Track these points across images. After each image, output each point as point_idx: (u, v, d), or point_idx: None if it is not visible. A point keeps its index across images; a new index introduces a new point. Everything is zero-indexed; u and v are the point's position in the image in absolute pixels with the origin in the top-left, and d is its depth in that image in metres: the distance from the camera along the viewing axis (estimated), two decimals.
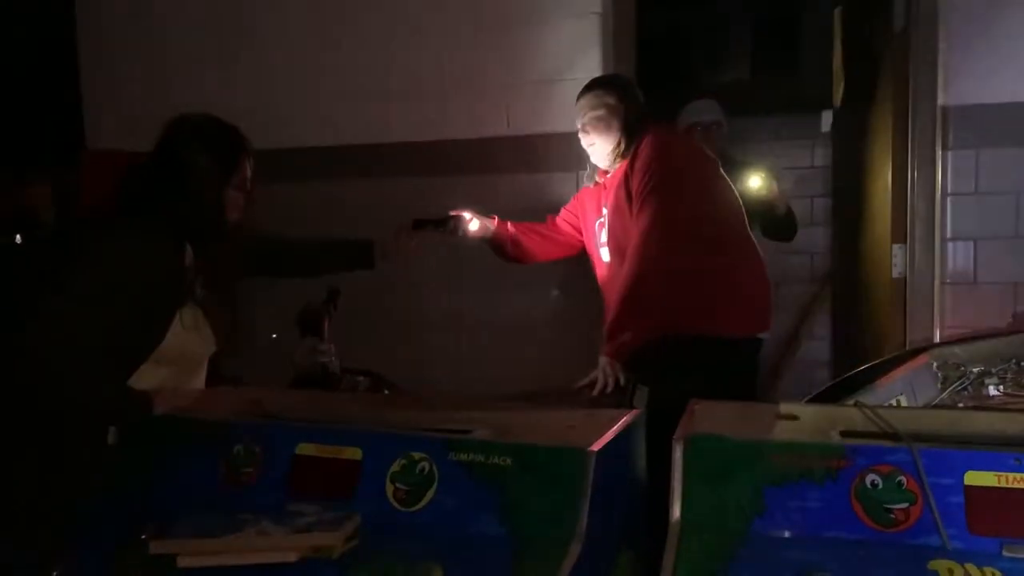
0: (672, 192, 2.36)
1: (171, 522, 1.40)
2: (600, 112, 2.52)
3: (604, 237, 2.59)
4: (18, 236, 2.95)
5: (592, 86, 2.59)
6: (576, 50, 3.07)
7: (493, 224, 2.69)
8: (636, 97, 2.59)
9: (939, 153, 2.87)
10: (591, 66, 3.03)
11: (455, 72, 3.24)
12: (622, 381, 2.27)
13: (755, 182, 3.21)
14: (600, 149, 2.56)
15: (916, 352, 2.55)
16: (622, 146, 2.52)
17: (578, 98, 2.59)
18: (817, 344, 4.67)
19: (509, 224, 2.73)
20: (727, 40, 5.44)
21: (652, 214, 2.33)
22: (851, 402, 1.54)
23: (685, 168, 2.46)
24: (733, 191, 2.55)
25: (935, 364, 2.04)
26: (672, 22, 4.53)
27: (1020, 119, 2.78)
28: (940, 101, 2.86)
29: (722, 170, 2.57)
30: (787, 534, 1.25)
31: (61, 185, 3.00)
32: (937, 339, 2.85)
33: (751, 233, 2.56)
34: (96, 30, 3.71)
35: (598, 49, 3.06)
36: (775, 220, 3.31)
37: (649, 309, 2.30)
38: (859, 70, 3.80)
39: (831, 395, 2.56)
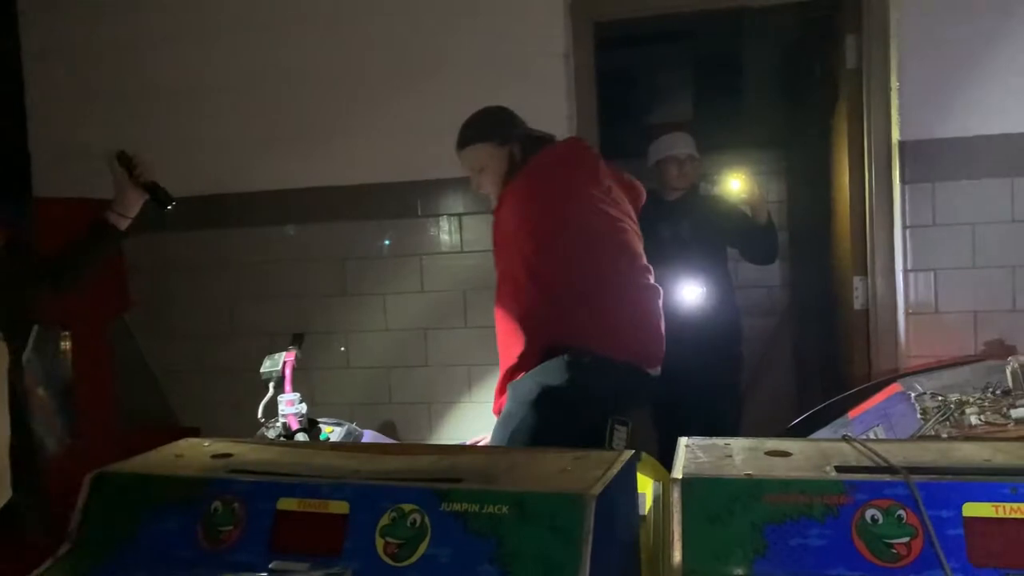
0: (512, 255, 2.32)
1: None
2: (479, 169, 2.44)
3: None
4: None
5: (467, 139, 2.46)
6: (541, 91, 3.10)
7: None
8: (508, 132, 2.44)
9: (896, 187, 2.94)
10: (558, 104, 3.07)
11: (416, 115, 3.25)
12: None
13: (735, 184, 3.23)
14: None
15: (886, 382, 2.59)
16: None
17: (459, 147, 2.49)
18: (779, 376, 4.70)
19: None
20: (669, 79, 5.54)
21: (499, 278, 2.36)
22: (839, 435, 1.53)
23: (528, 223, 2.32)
24: (602, 217, 2.41)
25: (913, 395, 2.05)
26: (615, 62, 4.61)
27: (973, 152, 2.87)
28: (896, 136, 2.93)
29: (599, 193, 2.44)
30: (790, 573, 1.23)
31: (12, 234, 2.89)
32: (902, 369, 2.89)
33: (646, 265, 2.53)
34: (43, 73, 3.64)
35: (567, 90, 3.11)
36: (755, 233, 3.30)
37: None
38: (810, 108, 3.89)
39: (804, 427, 2.58)
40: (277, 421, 2.67)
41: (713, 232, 3.39)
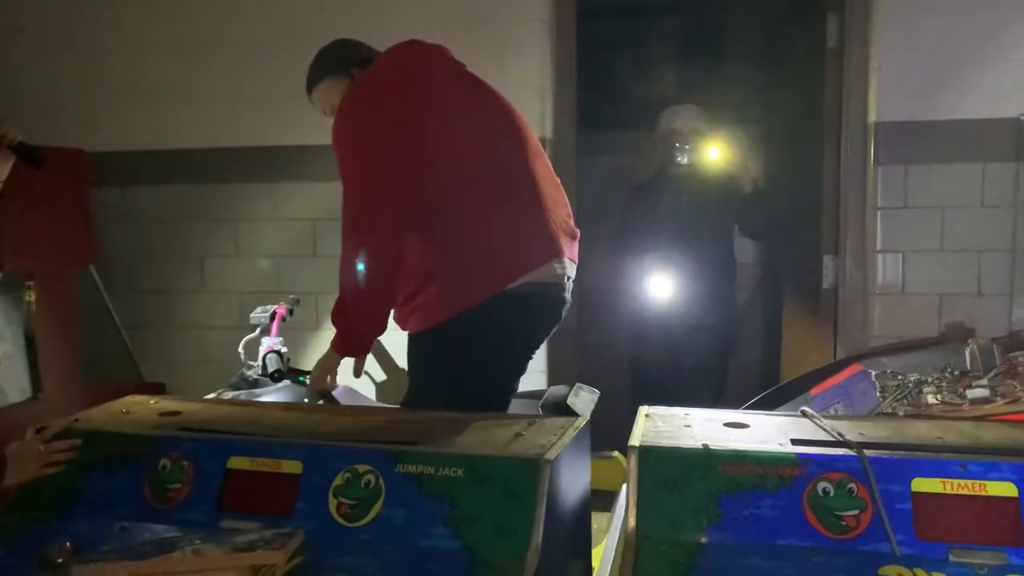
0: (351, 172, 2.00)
1: (92, 544, 1.31)
2: (332, 107, 2.13)
3: None
4: None
5: (311, 82, 2.23)
6: (520, 56, 3.07)
7: None
8: (348, 60, 2.19)
9: (870, 168, 2.95)
10: (535, 72, 3.03)
11: None
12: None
13: (714, 152, 3.15)
14: None
15: (848, 361, 2.61)
16: None
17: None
18: (747, 352, 4.74)
19: None
20: (652, 52, 5.50)
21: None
22: (798, 411, 1.54)
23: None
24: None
25: (873, 373, 2.07)
26: (599, 33, 4.57)
27: (946, 136, 2.87)
28: (871, 118, 2.93)
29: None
30: (742, 542, 1.24)
31: None
32: (867, 348, 2.91)
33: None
34: (12, 19, 3.55)
35: (541, 56, 3.07)
36: (744, 205, 3.24)
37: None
38: (792, 85, 3.88)
39: (767, 403, 2.60)
40: (256, 362, 2.69)
41: (716, 207, 3.28)
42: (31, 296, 2.99)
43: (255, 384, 2.71)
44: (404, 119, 1.95)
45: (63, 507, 1.44)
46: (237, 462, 1.42)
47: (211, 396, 2.47)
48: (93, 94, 3.47)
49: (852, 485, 1.26)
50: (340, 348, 1.99)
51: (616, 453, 2.35)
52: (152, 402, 1.76)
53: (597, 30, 4.40)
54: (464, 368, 1.96)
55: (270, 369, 2.63)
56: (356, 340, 1.99)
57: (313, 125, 3.23)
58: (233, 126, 3.40)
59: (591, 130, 3.95)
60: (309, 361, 3.35)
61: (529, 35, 3.10)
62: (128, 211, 3.53)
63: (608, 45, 5.19)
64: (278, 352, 2.67)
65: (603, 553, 1.73)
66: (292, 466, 1.39)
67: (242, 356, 2.75)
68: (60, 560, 1.29)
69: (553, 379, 3.16)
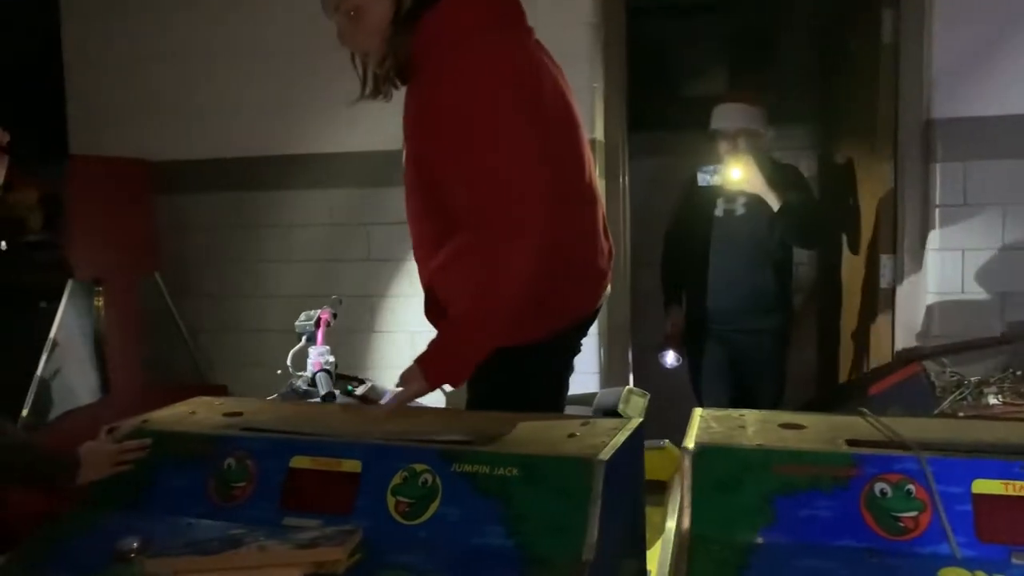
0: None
1: (162, 539, 1.37)
2: (349, 12, 1.70)
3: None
4: (3, 243, 2.92)
5: None
6: (569, 60, 3.07)
7: None
8: None
9: (928, 165, 2.90)
10: (585, 74, 3.03)
11: None
12: None
13: (736, 173, 3.09)
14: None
15: (906, 361, 2.57)
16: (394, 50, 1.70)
17: None
18: (802, 353, 4.68)
19: None
20: (702, 53, 5.46)
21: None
22: (856, 411, 1.53)
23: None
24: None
25: (932, 374, 2.04)
26: (646, 32, 4.55)
27: (1007, 131, 2.81)
28: (928, 114, 2.88)
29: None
30: (797, 542, 1.24)
31: (48, 191, 2.96)
32: (925, 349, 2.86)
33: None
34: (81, 34, 3.69)
35: (591, 59, 3.07)
36: (779, 220, 3.13)
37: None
38: (844, 83, 3.83)
39: (824, 403, 2.57)
40: (305, 372, 2.72)
41: (768, 211, 3.17)
42: (100, 301, 3.10)
43: (305, 395, 2.72)
44: (538, 102, 1.67)
45: (134, 504, 1.49)
46: (299, 461, 1.46)
47: (271, 398, 2.53)
48: (154, 105, 3.59)
49: (910, 486, 1.24)
50: (440, 375, 1.65)
51: (666, 442, 2.34)
52: (216, 403, 1.81)
53: (645, 29, 4.39)
54: (537, 396, 1.77)
55: (322, 392, 2.65)
56: (461, 364, 1.65)
57: (364, 131, 3.32)
58: (288, 134, 3.47)
59: (639, 130, 3.94)
60: (360, 363, 3.44)
61: (578, 37, 3.10)
62: (188, 218, 3.63)
63: (656, 44, 5.17)
64: (328, 371, 2.67)
65: (659, 554, 1.74)
66: (352, 465, 1.42)
67: (290, 369, 2.75)
68: (132, 554, 1.35)
69: (605, 380, 3.17)
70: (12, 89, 3.75)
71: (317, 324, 2.78)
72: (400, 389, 1.68)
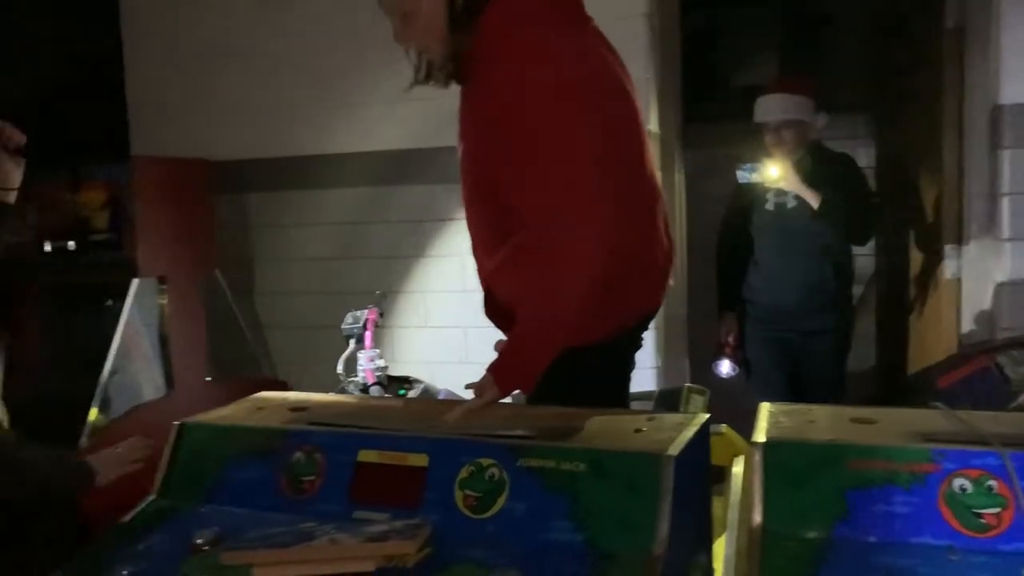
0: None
1: (236, 532, 1.39)
2: (403, 13, 1.68)
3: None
4: (71, 243, 2.99)
5: None
6: (622, 52, 3.05)
7: None
8: None
9: (995, 152, 2.82)
10: (638, 67, 3.00)
11: None
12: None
13: (773, 172, 3.03)
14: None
15: (976, 355, 2.51)
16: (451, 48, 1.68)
17: None
18: (862, 347, 4.60)
19: None
20: (753, 41, 5.39)
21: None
22: (929, 405, 1.49)
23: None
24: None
25: (1006, 366, 1.98)
26: (699, 21, 4.49)
27: None
28: (996, 100, 2.80)
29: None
30: (872, 539, 1.22)
31: (112, 192, 3.03)
32: (995, 341, 2.79)
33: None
34: (141, 36, 3.77)
35: (645, 50, 3.04)
36: (823, 219, 3.07)
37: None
38: (904, 70, 3.74)
39: (890, 397, 2.52)
40: (356, 376, 2.74)
41: (826, 201, 3.06)
42: (164, 299, 3.17)
43: None
44: (599, 100, 1.65)
45: (208, 497, 1.52)
46: (366, 455, 1.47)
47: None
48: (213, 106, 3.66)
49: (992, 482, 1.21)
50: (511, 382, 1.64)
51: (724, 427, 2.31)
52: (281, 398, 1.84)
53: (697, 19, 4.35)
54: (601, 393, 1.74)
55: (370, 383, 2.67)
56: (530, 370, 1.63)
57: (416, 128, 3.34)
58: (344, 132, 3.51)
59: (692, 122, 3.91)
60: (414, 357, 3.46)
61: (631, 29, 3.08)
62: (248, 217, 3.70)
63: (709, 33, 5.12)
64: (381, 384, 2.68)
65: (724, 548, 1.71)
66: (418, 459, 1.43)
67: (342, 378, 2.77)
68: (207, 547, 1.37)
69: (663, 376, 3.15)
70: (75, 91, 3.86)
71: (365, 326, 2.78)
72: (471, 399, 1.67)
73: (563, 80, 1.59)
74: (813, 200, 3.04)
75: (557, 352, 1.63)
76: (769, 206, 3.20)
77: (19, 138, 1.96)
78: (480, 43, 1.65)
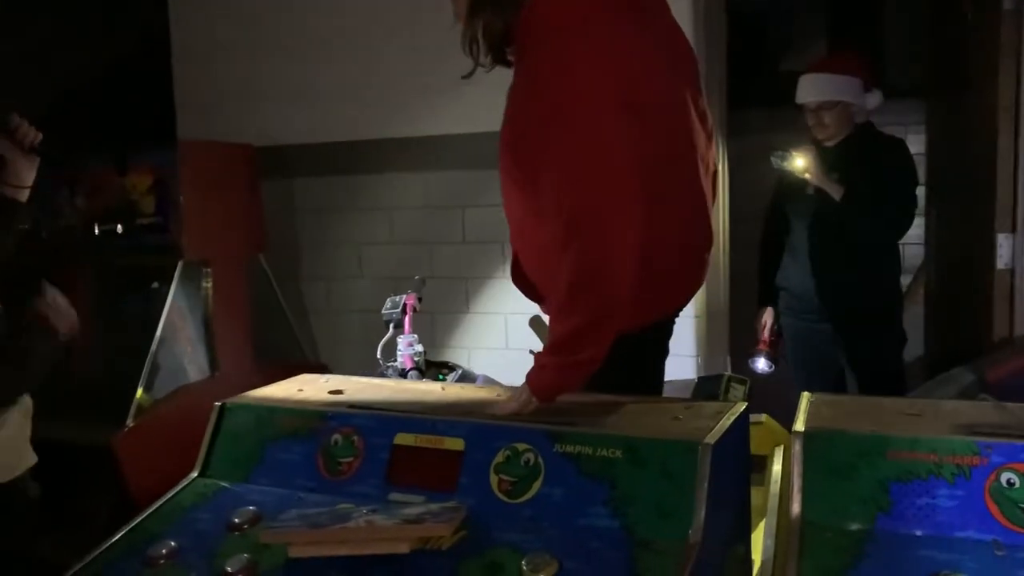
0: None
1: (274, 512, 1.41)
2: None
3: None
4: (119, 226, 3.05)
5: None
6: None
7: None
8: None
9: None
10: None
11: None
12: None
13: (800, 162, 2.93)
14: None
15: None
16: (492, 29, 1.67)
17: None
18: (910, 338, 4.50)
19: None
20: (802, 23, 5.30)
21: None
22: (977, 398, 1.46)
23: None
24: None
25: None
26: (744, 6, 4.41)
27: None
28: None
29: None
30: (916, 532, 1.19)
31: (158, 176, 3.08)
32: None
33: None
34: (188, 20, 3.82)
35: (690, 35, 2.99)
36: (842, 211, 2.94)
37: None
38: (957, 54, 3.64)
39: (937, 389, 2.46)
40: (395, 361, 2.75)
41: (864, 187, 2.94)
42: (208, 282, 3.22)
43: None
44: (644, 94, 1.62)
45: (247, 476, 1.54)
46: (403, 438, 1.48)
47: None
48: (259, 91, 3.69)
49: None
50: (566, 378, 1.56)
51: (764, 416, 2.28)
52: (322, 380, 1.86)
53: (742, 3, 4.28)
54: (638, 381, 1.73)
55: (408, 369, 2.68)
56: (569, 380, 1.57)
57: (463, 114, 3.33)
58: (388, 118, 3.53)
59: (737, 108, 3.84)
60: (455, 342, 3.48)
61: (676, 12, 3.03)
62: (291, 201, 3.74)
63: (754, 18, 5.04)
64: (419, 369, 2.69)
65: (762, 538, 1.69)
66: (454, 443, 1.43)
67: (380, 362, 2.78)
68: (246, 526, 1.39)
69: (705, 368, 3.12)
70: (122, 75, 3.93)
71: (404, 311, 2.79)
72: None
73: (607, 76, 1.56)
74: (835, 193, 2.94)
75: (598, 361, 1.56)
76: (810, 190, 3.07)
77: (34, 136, 1.98)
78: (526, 29, 1.62)
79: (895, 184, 2.99)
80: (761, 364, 3.29)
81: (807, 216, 3.11)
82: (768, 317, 3.31)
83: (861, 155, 3.03)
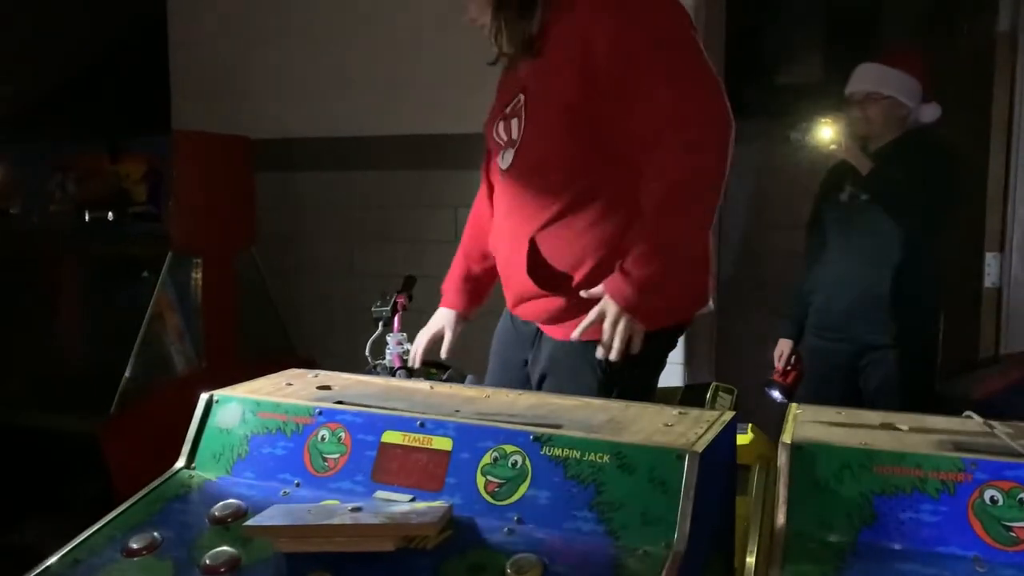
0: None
1: (258, 506, 1.40)
2: None
3: (515, 131, 1.90)
4: (109, 214, 3.03)
5: None
6: None
7: (466, 311, 2.36)
8: None
9: None
10: None
11: None
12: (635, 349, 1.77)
13: (826, 132, 2.71)
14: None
15: (1014, 364, 2.46)
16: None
17: None
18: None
19: (471, 270, 2.35)
20: (798, 36, 5.32)
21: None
22: (963, 415, 1.47)
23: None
24: None
25: None
26: (741, 17, 4.43)
27: None
28: None
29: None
30: (898, 546, 1.20)
31: (152, 165, 3.07)
32: None
33: None
34: (185, 10, 3.81)
35: None
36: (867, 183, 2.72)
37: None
38: (951, 72, 3.66)
39: (925, 405, 2.47)
40: (383, 359, 2.74)
41: (901, 196, 2.74)
42: (198, 274, 3.20)
43: None
44: None
45: (232, 469, 1.54)
46: (390, 436, 1.47)
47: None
48: (255, 83, 3.68)
49: None
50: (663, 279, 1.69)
51: (751, 426, 2.28)
52: (311, 376, 1.85)
53: (739, 14, 4.29)
54: (637, 394, 1.77)
55: (396, 367, 2.67)
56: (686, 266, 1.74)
57: (458, 113, 3.33)
58: (383, 115, 3.52)
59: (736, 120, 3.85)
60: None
61: None
62: (283, 196, 3.72)
63: (751, 30, 5.05)
64: (407, 367, 2.68)
65: (747, 548, 1.70)
66: (442, 443, 1.43)
67: (369, 360, 2.77)
68: (230, 519, 1.39)
69: (690, 373, 3.12)
70: (118, 63, 3.91)
71: (394, 309, 2.78)
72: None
73: (685, 15, 1.74)
74: (863, 168, 2.72)
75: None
76: (844, 196, 2.88)
77: None
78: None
79: (933, 183, 2.76)
80: (776, 395, 3.19)
81: (836, 224, 2.93)
82: (786, 348, 3.17)
83: (906, 157, 2.79)
